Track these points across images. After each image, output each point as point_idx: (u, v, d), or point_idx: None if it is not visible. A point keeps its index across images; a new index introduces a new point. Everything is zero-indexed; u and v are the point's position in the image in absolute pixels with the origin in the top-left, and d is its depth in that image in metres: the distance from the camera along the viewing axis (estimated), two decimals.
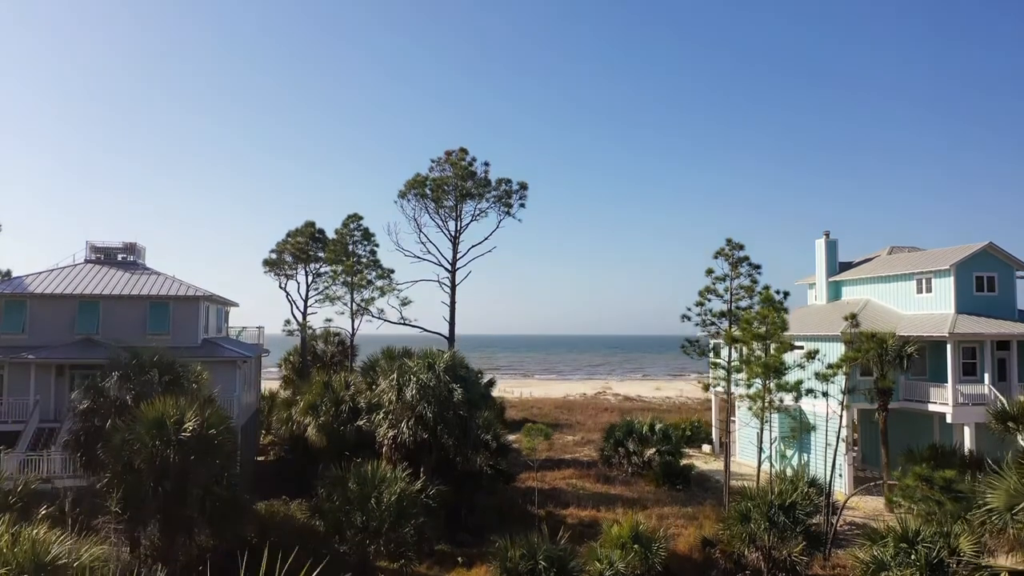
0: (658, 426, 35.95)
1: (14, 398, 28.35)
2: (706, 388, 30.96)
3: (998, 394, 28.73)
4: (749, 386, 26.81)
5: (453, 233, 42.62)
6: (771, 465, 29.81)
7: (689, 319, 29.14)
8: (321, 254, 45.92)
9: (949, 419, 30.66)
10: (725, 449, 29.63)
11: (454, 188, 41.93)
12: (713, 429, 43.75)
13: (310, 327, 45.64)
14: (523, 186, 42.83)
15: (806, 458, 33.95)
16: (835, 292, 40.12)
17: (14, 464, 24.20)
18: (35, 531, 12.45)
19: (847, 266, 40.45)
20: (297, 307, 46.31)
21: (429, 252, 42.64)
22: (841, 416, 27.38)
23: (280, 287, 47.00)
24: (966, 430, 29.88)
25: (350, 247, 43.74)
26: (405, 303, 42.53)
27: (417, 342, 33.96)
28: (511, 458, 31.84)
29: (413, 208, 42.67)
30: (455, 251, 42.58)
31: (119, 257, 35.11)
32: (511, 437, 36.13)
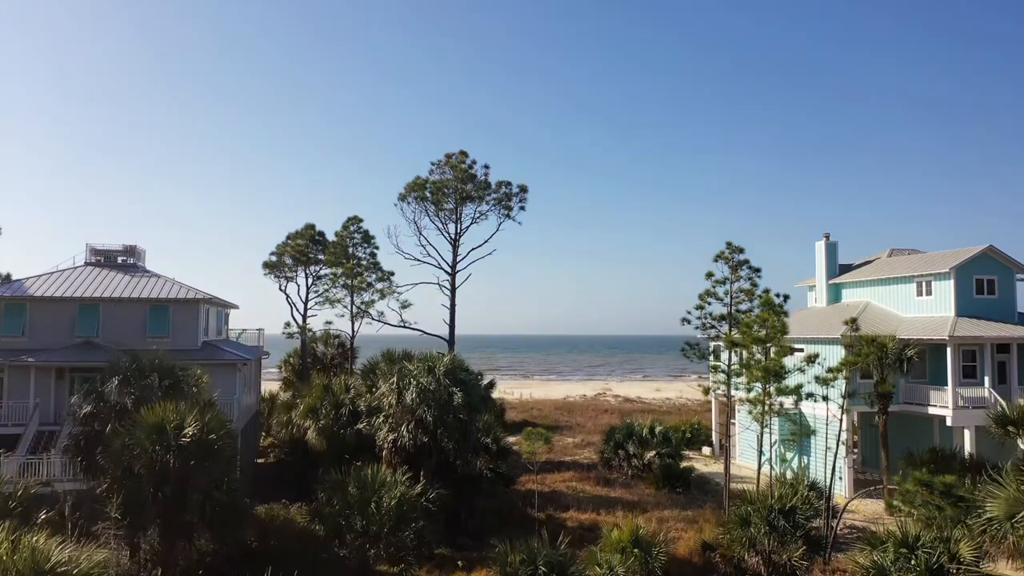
0: (658, 428, 35.93)
1: (14, 401, 28.35)
2: (706, 392, 30.94)
3: (998, 397, 28.72)
4: (749, 390, 26.80)
5: (453, 236, 42.63)
6: (771, 468, 29.79)
7: (689, 322, 29.17)
8: (321, 257, 45.98)
9: (949, 422, 30.66)
10: (725, 452, 29.61)
11: (454, 191, 41.89)
12: (713, 432, 43.74)
13: (310, 329, 45.66)
14: (523, 189, 42.82)
15: (806, 461, 33.94)
16: (835, 294, 40.13)
17: (14, 467, 24.23)
18: (35, 538, 12.46)
19: (847, 268, 40.47)
20: (297, 309, 46.40)
21: (429, 255, 42.64)
22: (841, 420, 27.36)
23: (280, 289, 47.10)
24: (966, 433, 29.87)
25: (350, 250, 43.78)
26: (405, 306, 42.53)
27: (417, 344, 33.96)
28: (511, 461, 31.83)
29: (413, 211, 42.66)
30: (455, 254, 42.56)
31: (119, 260, 35.13)
32: (511, 439, 36.14)
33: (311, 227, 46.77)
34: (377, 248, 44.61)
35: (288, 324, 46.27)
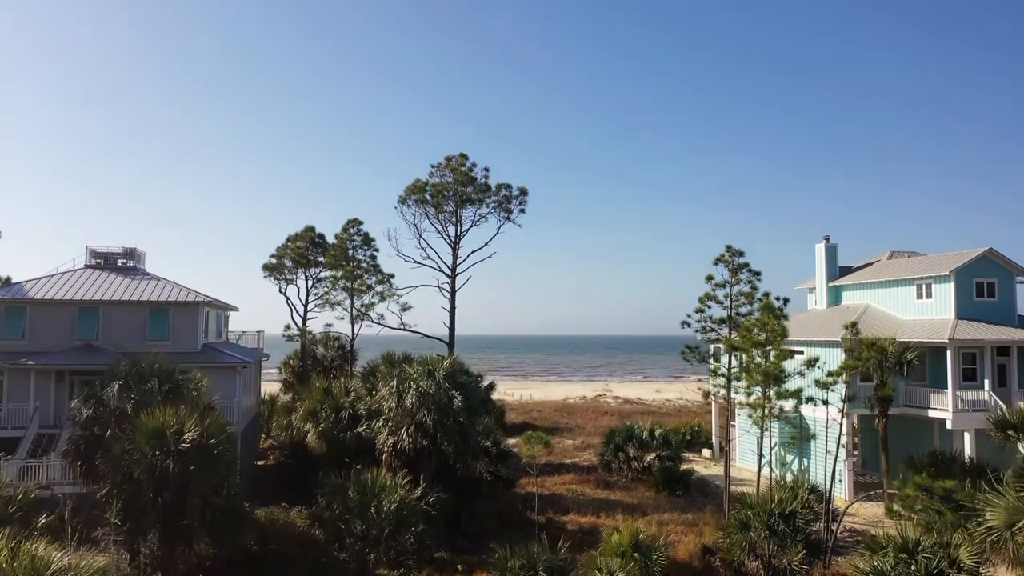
0: (658, 431, 35.93)
1: (14, 404, 28.36)
2: (706, 396, 30.94)
3: (998, 400, 28.69)
4: (749, 394, 26.78)
5: (453, 238, 42.60)
6: (771, 471, 29.78)
7: (689, 325, 29.15)
8: (321, 259, 45.92)
9: (949, 425, 30.64)
10: (725, 455, 29.59)
11: (454, 194, 41.87)
12: (713, 435, 43.72)
13: (310, 332, 45.64)
14: (523, 191, 42.79)
15: (806, 464, 33.93)
16: (835, 297, 40.13)
17: (14, 470, 24.27)
18: (35, 545, 12.44)
19: (847, 271, 40.46)
20: (297, 312, 46.33)
21: (429, 257, 42.58)
22: (841, 423, 27.34)
23: (280, 292, 47.02)
24: (966, 436, 29.86)
25: (350, 252, 43.75)
26: (405, 308, 42.48)
27: (417, 346, 33.96)
28: (511, 464, 31.81)
29: (413, 213, 42.62)
30: (455, 256, 42.53)
31: (119, 262, 35.14)
32: (511, 441, 36.11)
33: (311, 229, 46.73)
34: (377, 250, 44.56)
35: (288, 326, 46.24)
